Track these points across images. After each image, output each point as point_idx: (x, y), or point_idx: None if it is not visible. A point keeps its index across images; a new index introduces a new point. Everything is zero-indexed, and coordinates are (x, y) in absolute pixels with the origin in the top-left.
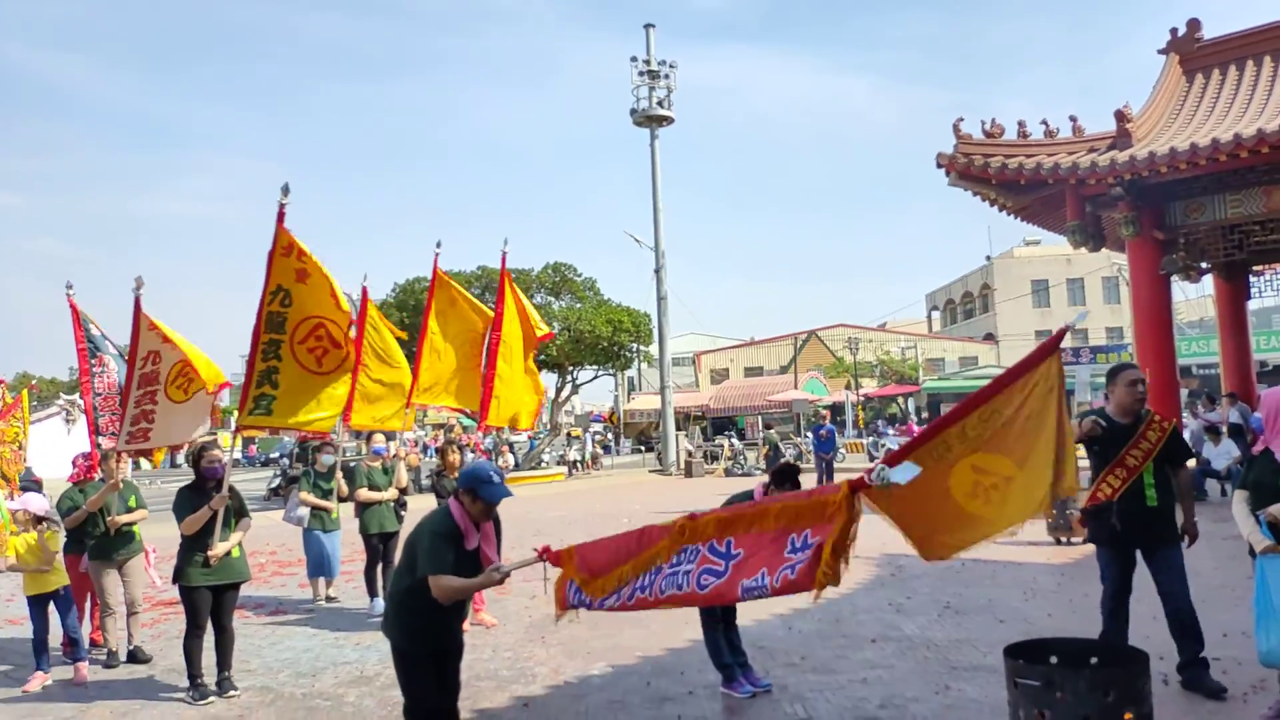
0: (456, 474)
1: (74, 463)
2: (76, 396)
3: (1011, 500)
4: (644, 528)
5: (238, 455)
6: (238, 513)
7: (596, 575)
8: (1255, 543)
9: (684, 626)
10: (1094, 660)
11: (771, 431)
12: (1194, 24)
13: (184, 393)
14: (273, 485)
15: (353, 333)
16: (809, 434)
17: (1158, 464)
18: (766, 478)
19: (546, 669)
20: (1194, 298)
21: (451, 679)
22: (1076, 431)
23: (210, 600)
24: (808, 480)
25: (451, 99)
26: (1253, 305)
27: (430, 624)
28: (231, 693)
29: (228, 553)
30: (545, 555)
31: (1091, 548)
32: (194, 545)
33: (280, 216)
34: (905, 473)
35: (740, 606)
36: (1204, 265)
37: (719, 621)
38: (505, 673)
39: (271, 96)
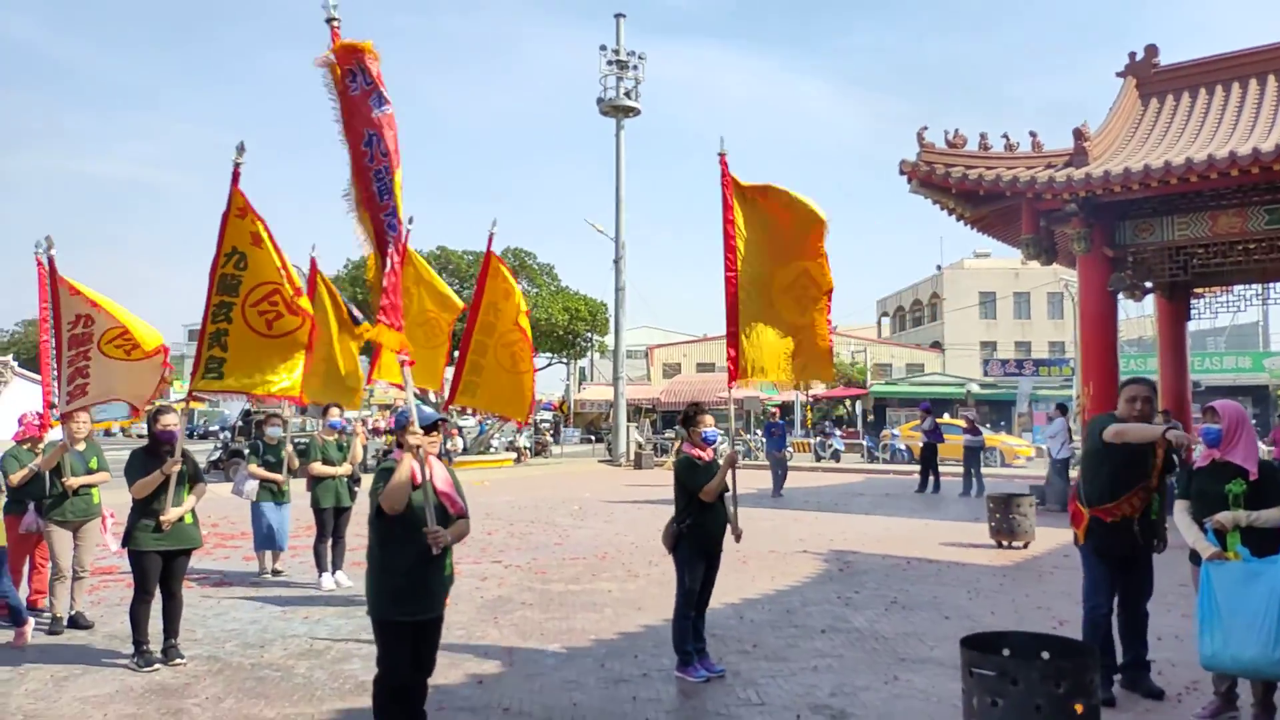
0: None
1: (20, 420)
2: (10, 358)
3: (819, 281)
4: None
5: None
6: (192, 478)
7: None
8: (1201, 549)
9: (636, 613)
10: (1045, 654)
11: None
12: (1151, 50)
13: (124, 353)
14: (213, 458)
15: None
16: (758, 431)
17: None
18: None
19: (500, 648)
20: (1134, 317)
21: (427, 655)
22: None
23: (160, 566)
24: (762, 478)
25: (409, 80)
26: (1189, 327)
27: (409, 581)
28: (178, 661)
29: (180, 518)
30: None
31: (1031, 553)
32: (145, 509)
33: (235, 177)
34: None
35: None
36: (1148, 285)
37: (692, 609)
38: (459, 651)
39: (219, 62)
